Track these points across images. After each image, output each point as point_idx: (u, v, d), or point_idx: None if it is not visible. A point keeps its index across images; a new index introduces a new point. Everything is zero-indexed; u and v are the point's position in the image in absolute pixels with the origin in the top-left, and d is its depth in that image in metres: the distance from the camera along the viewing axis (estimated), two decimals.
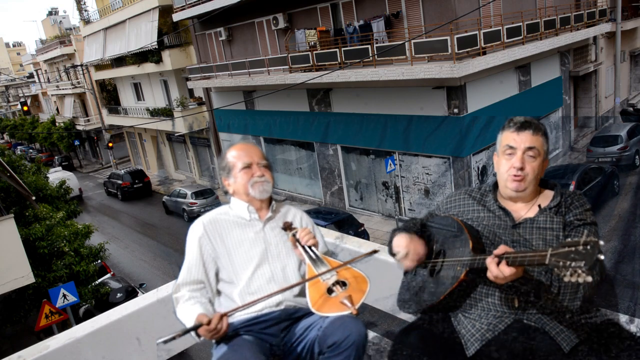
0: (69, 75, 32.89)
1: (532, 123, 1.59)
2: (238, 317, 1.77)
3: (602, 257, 1.12)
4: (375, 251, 1.74)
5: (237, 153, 1.89)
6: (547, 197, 1.63)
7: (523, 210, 1.62)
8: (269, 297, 1.70)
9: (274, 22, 14.89)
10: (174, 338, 1.48)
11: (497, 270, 1.37)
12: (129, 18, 21.63)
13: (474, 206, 1.71)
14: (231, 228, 1.85)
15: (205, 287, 1.78)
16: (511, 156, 1.58)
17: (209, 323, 1.56)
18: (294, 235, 1.84)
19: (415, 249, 1.62)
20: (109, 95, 30.20)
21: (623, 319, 1.65)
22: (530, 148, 1.56)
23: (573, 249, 1.16)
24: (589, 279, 1.13)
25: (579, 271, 1.14)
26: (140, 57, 21.64)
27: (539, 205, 1.60)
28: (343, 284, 1.66)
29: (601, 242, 1.14)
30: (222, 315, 1.60)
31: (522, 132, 1.58)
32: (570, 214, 1.55)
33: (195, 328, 1.55)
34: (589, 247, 1.14)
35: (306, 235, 1.83)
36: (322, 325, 1.66)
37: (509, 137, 1.60)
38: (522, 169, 1.56)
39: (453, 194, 1.82)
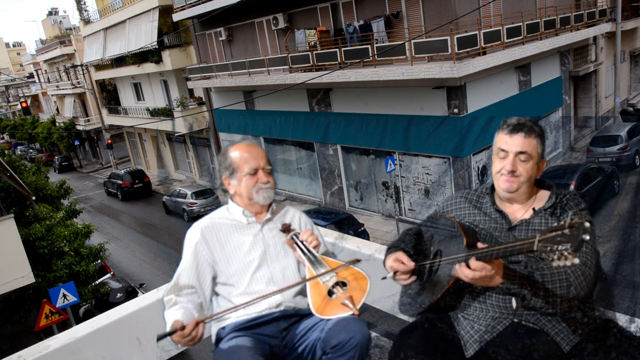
0: (69, 75, 32.89)
1: (525, 125, 1.58)
2: (237, 319, 1.77)
3: (587, 237, 1.12)
4: (357, 260, 1.74)
5: (242, 155, 1.85)
6: (543, 199, 1.63)
7: (519, 212, 1.63)
8: (264, 298, 1.70)
9: (274, 22, 14.89)
10: (167, 335, 1.52)
11: (465, 269, 1.40)
12: (129, 18, 21.63)
13: (470, 209, 1.72)
14: (230, 232, 1.84)
15: (196, 292, 1.76)
16: (504, 159, 1.59)
17: (183, 329, 1.55)
18: (292, 237, 1.83)
19: (400, 266, 1.63)
20: (109, 95, 30.21)
21: (623, 319, 1.65)
22: (521, 152, 1.56)
23: (559, 232, 1.17)
24: (576, 260, 1.13)
25: (565, 254, 1.14)
26: (140, 57, 21.65)
27: (533, 208, 1.60)
28: (343, 284, 1.66)
29: (586, 224, 1.14)
30: (198, 322, 1.58)
31: (514, 135, 1.57)
32: (565, 214, 1.55)
33: (170, 334, 1.54)
34: (574, 228, 1.15)
35: (309, 236, 1.83)
36: (324, 326, 1.65)
37: (502, 140, 1.61)
38: (513, 172, 1.57)
39: (450, 197, 1.83)
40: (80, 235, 10.30)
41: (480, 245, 1.45)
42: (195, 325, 1.57)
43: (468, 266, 1.41)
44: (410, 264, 1.63)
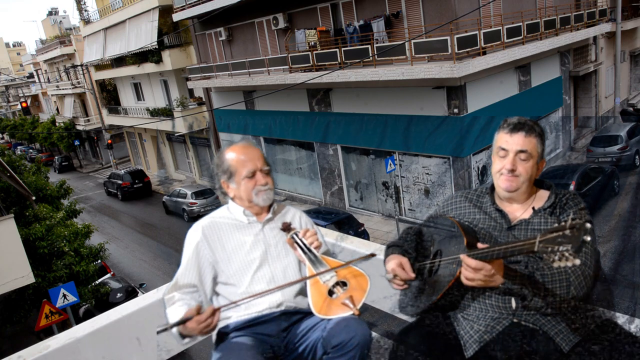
0: (69, 75, 32.89)
1: (525, 124, 1.58)
2: (238, 318, 1.77)
3: (588, 238, 1.12)
4: (372, 255, 1.73)
5: (238, 158, 1.83)
6: (542, 198, 1.63)
7: (519, 212, 1.63)
8: (267, 294, 1.70)
9: (274, 22, 14.90)
10: (165, 329, 1.51)
11: (465, 271, 1.39)
12: (129, 18, 21.63)
13: (470, 209, 1.72)
14: (231, 231, 1.84)
15: (198, 291, 1.77)
16: (504, 158, 1.59)
17: (199, 315, 1.53)
18: (292, 237, 1.83)
19: (401, 272, 1.63)
20: (109, 95, 30.22)
21: (623, 319, 1.65)
22: (522, 151, 1.56)
23: (560, 233, 1.17)
24: (577, 261, 1.14)
25: (566, 254, 1.14)
26: (140, 57, 21.65)
27: (533, 208, 1.60)
28: (343, 284, 1.66)
29: (587, 225, 1.14)
30: (215, 310, 1.57)
31: (514, 133, 1.58)
32: (565, 214, 1.56)
33: (185, 321, 1.52)
34: (575, 229, 1.15)
35: (311, 236, 1.83)
36: (325, 326, 1.66)
37: (502, 139, 1.61)
38: (513, 170, 1.57)
39: (450, 197, 1.83)
40: (80, 235, 10.30)
41: (480, 245, 1.45)
42: (212, 313, 1.55)
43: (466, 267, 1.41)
44: (411, 275, 1.63)
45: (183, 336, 1.59)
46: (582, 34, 14.48)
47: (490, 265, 1.38)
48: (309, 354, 1.70)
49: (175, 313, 1.64)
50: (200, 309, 1.54)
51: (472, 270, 1.39)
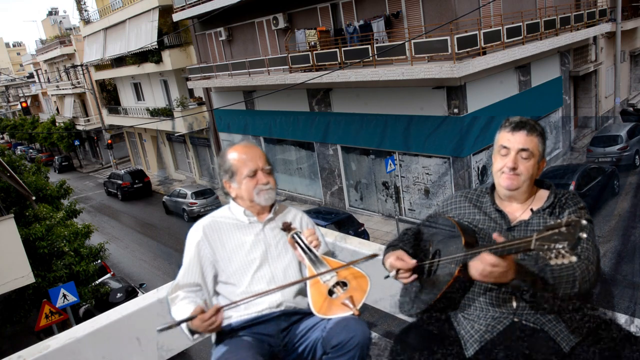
0: (69, 75, 32.89)
1: (527, 123, 1.59)
2: (238, 318, 1.77)
3: (584, 235, 1.13)
4: (374, 255, 1.73)
5: (240, 157, 1.84)
6: (542, 198, 1.63)
7: (518, 212, 1.63)
8: (267, 294, 1.70)
9: (274, 22, 14.90)
10: (170, 327, 1.51)
11: (480, 263, 1.36)
12: (129, 18, 21.63)
13: (470, 208, 1.72)
14: (231, 231, 1.84)
15: (202, 290, 1.78)
16: (505, 156, 1.59)
17: (203, 313, 1.55)
18: (292, 236, 1.83)
19: (401, 264, 1.62)
20: (109, 95, 30.21)
21: (623, 319, 1.65)
22: (523, 149, 1.56)
23: (556, 230, 1.17)
24: (573, 258, 1.15)
25: (563, 252, 1.15)
26: (140, 57, 21.65)
27: (532, 209, 1.60)
28: (344, 284, 1.66)
29: (583, 222, 1.14)
30: (219, 309, 1.59)
31: (516, 132, 1.58)
32: (564, 214, 1.56)
33: (191, 318, 1.54)
34: (570, 227, 1.15)
35: (310, 236, 1.83)
36: (325, 326, 1.66)
37: (503, 137, 1.61)
38: (514, 168, 1.57)
39: (450, 196, 1.83)
40: (80, 235, 10.30)
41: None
42: (216, 311, 1.57)
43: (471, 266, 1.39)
44: (412, 262, 1.62)
45: (192, 332, 1.60)
46: (582, 34, 14.48)
47: (505, 262, 1.36)
48: (309, 354, 1.70)
49: (181, 310, 1.65)
50: (203, 308, 1.55)
51: (490, 265, 1.36)
